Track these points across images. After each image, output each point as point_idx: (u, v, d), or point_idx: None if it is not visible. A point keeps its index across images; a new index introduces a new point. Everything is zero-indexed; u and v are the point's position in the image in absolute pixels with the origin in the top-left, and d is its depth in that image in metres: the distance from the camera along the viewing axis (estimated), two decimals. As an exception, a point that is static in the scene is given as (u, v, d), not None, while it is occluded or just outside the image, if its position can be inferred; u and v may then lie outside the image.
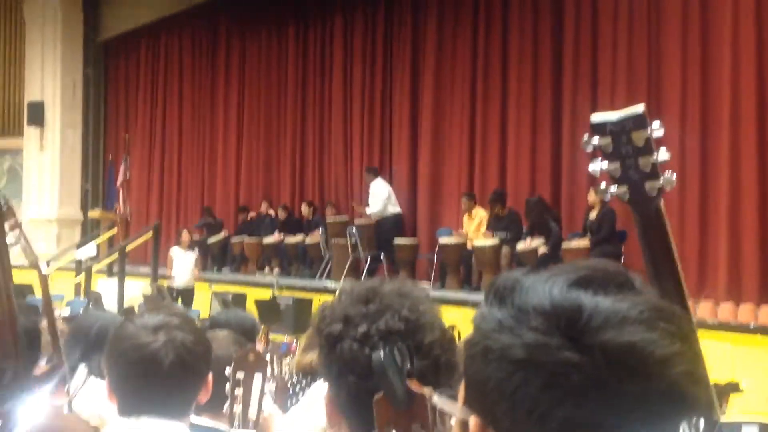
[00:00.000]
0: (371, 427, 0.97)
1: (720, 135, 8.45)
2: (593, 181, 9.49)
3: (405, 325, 1.18)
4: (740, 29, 8.37)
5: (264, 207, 13.39)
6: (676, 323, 0.71)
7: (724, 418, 1.61)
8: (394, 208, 11.51)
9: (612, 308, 0.69)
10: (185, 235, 12.37)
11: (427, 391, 0.92)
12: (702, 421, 1.35)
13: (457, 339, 1.25)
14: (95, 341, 2.53)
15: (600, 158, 1.44)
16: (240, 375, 1.88)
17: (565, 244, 9.10)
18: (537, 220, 9.64)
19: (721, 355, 5.98)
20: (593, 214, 9.10)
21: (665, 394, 0.68)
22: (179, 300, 11.16)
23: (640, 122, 1.37)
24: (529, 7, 10.60)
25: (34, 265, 2.40)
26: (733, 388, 2.86)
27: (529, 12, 10.59)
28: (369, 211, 11.40)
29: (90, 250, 12.69)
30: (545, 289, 0.72)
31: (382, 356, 1.00)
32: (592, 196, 9.09)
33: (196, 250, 12.35)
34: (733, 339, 7.12)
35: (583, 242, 9.01)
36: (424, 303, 1.23)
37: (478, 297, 9.36)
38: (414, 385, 0.94)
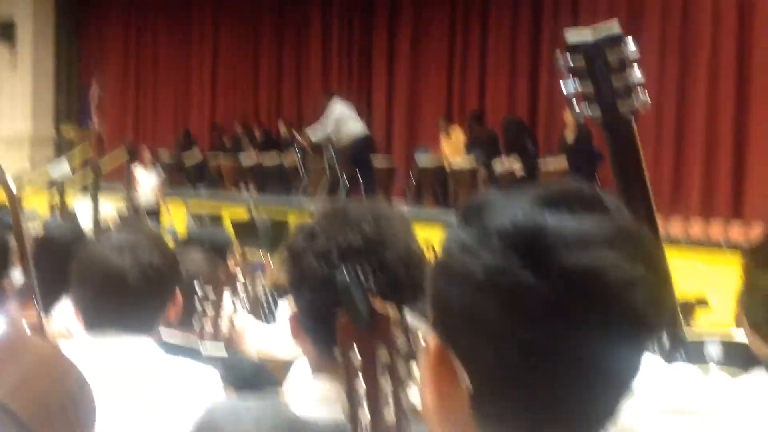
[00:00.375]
0: (332, 345, 0.97)
1: (699, 55, 8.43)
2: (571, 101, 9.45)
3: (365, 242, 1.16)
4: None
5: (239, 130, 13.22)
6: (642, 247, 0.69)
7: (690, 335, 1.64)
8: (356, 128, 11.29)
9: (575, 229, 0.67)
10: (146, 153, 12.07)
11: (391, 310, 0.92)
12: (667, 339, 1.38)
13: (433, 258, 1.25)
14: (64, 256, 2.51)
15: (574, 78, 1.42)
16: (210, 291, 1.88)
17: (542, 166, 9.12)
18: (513, 140, 9.64)
19: (691, 272, 6.07)
20: (570, 135, 9.09)
21: (625, 319, 0.66)
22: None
23: (615, 41, 1.35)
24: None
25: (2, 180, 2.35)
26: (701, 303, 2.91)
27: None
28: (312, 135, 11.29)
29: (63, 168, 12.53)
30: (510, 209, 0.70)
31: (345, 275, 0.99)
32: (568, 117, 9.06)
33: (160, 168, 12.03)
34: (704, 256, 7.24)
35: (560, 164, 9.03)
36: (391, 220, 1.21)
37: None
38: (378, 305, 0.93)
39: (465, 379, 0.71)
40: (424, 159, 10.48)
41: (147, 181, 11.69)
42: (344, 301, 0.99)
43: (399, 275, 1.17)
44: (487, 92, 10.70)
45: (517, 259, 0.67)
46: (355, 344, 0.98)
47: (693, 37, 8.53)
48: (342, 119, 11.21)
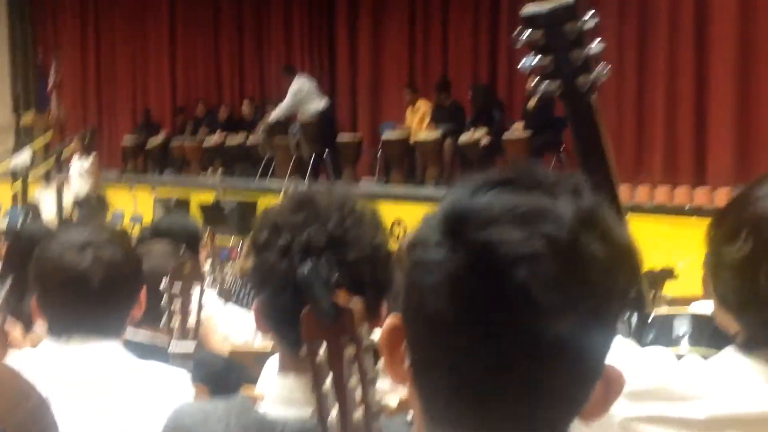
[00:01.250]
0: (296, 342, 0.96)
1: (658, 22, 8.45)
2: (528, 75, 9.44)
3: (328, 240, 1.14)
4: None
5: (200, 110, 13.05)
6: (560, 226, 0.67)
7: (659, 309, 1.64)
8: (319, 104, 11.15)
9: (489, 206, 0.69)
10: (75, 142, 11.60)
11: (354, 304, 0.90)
12: (636, 319, 1.37)
13: (402, 234, 1.23)
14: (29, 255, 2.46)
15: (532, 53, 1.40)
16: (176, 287, 1.85)
17: (506, 135, 9.11)
18: (481, 108, 9.60)
19: (657, 239, 6.13)
20: (532, 102, 9.08)
21: (514, 295, 0.66)
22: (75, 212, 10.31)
23: (571, 13, 1.32)
24: None
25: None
26: (668, 274, 2.93)
27: None
28: (274, 114, 11.21)
29: (24, 156, 12.34)
30: (455, 192, 0.73)
31: (306, 270, 0.97)
32: (529, 83, 9.04)
33: (92, 155, 11.35)
34: (670, 222, 7.30)
35: (524, 132, 9.03)
36: (358, 215, 1.18)
37: (423, 191, 9.42)
38: (342, 298, 0.92)
39: (407, 358, 0.74)
40: (389, 133, 10.43)
41: (77, 169, 11.16)
42: (307, 295, 0.98)
43: (362, 273, 1.14)
44: (450, 62, 10.65)
45: (437, 235, 0.70)
46: (319, 339, 0.96)
47: (652, 4, 8.55)
48: (305, 95, 11.12)
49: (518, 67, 1.37)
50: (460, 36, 10.48)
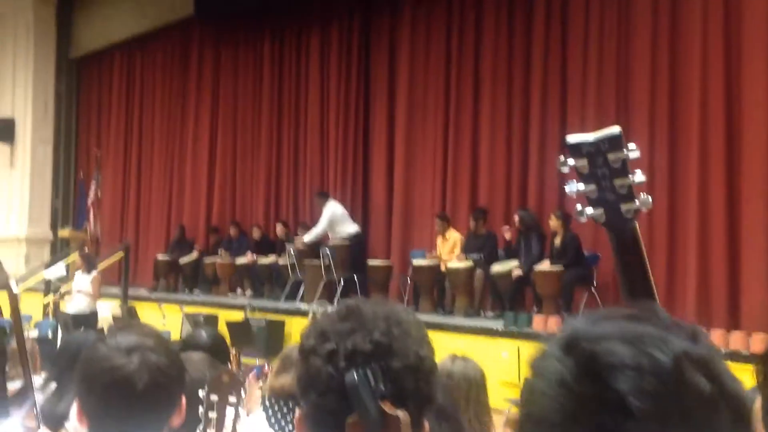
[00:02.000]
0: None
1: (689, 156, 8.54)
2: (560, 204, 9.54)
3: (374, 347, 1.15)
4: (709, 48, 8.50)
5: (233, 232, 13.28)
6: (666, 352, 0.73)
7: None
8: (351, 228, 11.47)
9: (604, 328, 0.76)
10: (78, 257, 11.52)
11: (401, 413, 0.91)
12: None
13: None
14: (71, 362, 2.48)
15: (576, 180, 1.44)
16: (214, 397, 1.85)
17: (537, 267, 9.11)
18: (526, 234, 9.48)
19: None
20: (557, 240, 9.14)
21: (613, 401, 0.71)
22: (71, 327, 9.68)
23: (616, 144, 1.37)
24: (504, 27, 10.69)
25: (4, 284, 2.35)
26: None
27: (503, 33, 10.68)
28: (306, 237, 11.40)
29: (59, 270, 12.51)
30: (579, 320, 0.80)
31: (355, 377, 0.98)
32: (553, 222, 9.10)
33: (94, 271, 11.09)
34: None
35: (556, 266, 9.01)
36: (404, 325, 1.20)
37: (452, 320, 9.35)
38: (387, 407, 0.92)
39: None
40: (420, 260, 10.47)
41: (80, 284, 10.98)
42: (354, 402, 0.98)
43: (405, 383, 1.14)
44: (479, 193, 10.76)
45: (554, 350, 0.78)
46: None
47: (682, 135, 8.67)
48: (338, 218, 11.36)
49: (566, 191, 1.41)
50: (492, 165, 10.64)
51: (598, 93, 9.57)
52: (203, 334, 3.44)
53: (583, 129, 1.39)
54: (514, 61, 10.54)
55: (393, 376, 1.13)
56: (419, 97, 11.48)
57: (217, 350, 3.14)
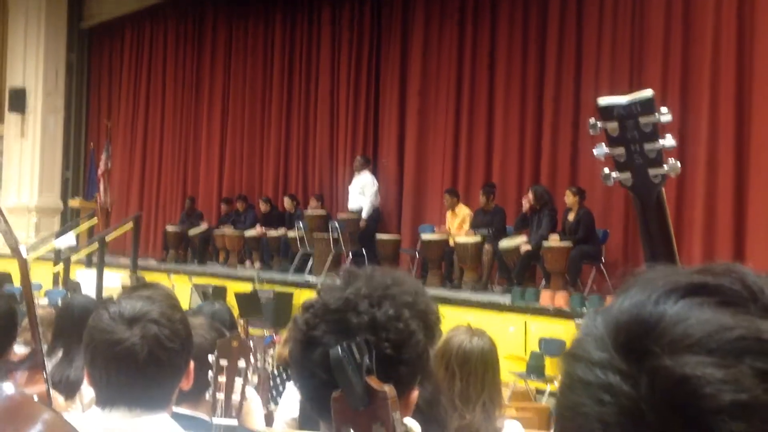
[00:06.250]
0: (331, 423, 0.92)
1: (698, 137, 8.51)
2: (572, 181, 9.52)
3: (368, 320, 1.11)
4: (721, 27, 8.48)
5: (240, 205, 13.26)
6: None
7: None
8: (377, 200, 11.54)
9: (683, 324, 0.54)
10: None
11: (387, 388, 0.87)
12: None
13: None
14: (78, 325, 2.46)
15: (605, 143, 1.40)
16: (223, 362, 1.83)
17: (546, 243, 9.07)
18: (539, 209, 9.38)
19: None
20: (571, 216, 9.09)
21: None
22: None
23: (648, 107, 1.33)
24: (519, 1, 10.62)
25: (15, 249, 2.31)
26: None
27: (519, 7, 10.62)
28: (364, 212, 11.37)
29: (69, 239, 12.55)
30: (632, 295, 0.58)
31: (339, 351, 0.94)
32: (569, 198, 9.07)
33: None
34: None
35: (565, 241, 8.98)
36: (400, 299, 1.15)
37: (459, 294, 9.34)
38: (374, 383, 0.88)
39: None
40: (429, 234, 10.45)
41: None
42: (339, 378, 0.95)
43: (396, 358, 1.10)
44: (493, 169, 10.73)
45: (607, 354, 0.56)
46: (350, 422, 0.93)
47: (693, 105, 8.64)
48: (376, 189, 11.43)
49: (594, 153, 1.36)
50: (505, 142, 10.60)
51: (612, 70, 9.53)
52: (208, 306, 3.42)
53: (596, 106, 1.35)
54: (528, 35, 10.49)
55: (382, 350, 1.09)
56: (432, 72, 11.40)
57: (221, 321, 3.12)
